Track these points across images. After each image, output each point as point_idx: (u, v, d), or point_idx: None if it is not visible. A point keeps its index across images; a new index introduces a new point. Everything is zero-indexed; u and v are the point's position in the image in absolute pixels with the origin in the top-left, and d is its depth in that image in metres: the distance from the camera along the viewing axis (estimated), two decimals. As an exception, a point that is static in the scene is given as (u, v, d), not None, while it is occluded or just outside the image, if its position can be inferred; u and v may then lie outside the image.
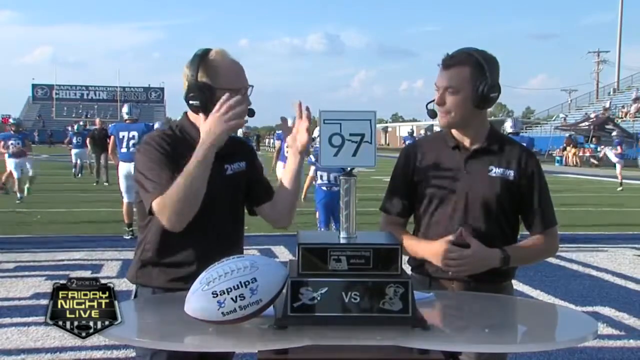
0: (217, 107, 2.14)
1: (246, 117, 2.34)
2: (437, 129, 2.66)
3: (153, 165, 2.21)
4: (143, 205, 2.29)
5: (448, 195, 2.39)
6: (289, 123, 2.35)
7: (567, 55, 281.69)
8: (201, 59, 2.26)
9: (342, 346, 1.70)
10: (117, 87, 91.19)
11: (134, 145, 9.12)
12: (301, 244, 1.78)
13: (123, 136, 9.40)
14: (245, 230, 2.50)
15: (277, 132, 14.95)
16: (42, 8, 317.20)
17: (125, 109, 10.09)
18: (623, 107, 45.52)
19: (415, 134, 33.01)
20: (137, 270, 2.36)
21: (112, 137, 9.83)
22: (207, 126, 2.14)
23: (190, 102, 2.25)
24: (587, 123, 38.05)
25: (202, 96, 2.22)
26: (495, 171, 2.38)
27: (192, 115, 2.34)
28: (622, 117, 42.70)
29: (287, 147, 2.13)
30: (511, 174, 2.38)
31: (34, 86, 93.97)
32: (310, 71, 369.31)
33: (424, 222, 2.46)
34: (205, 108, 2.23)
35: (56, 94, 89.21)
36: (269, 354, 1.68)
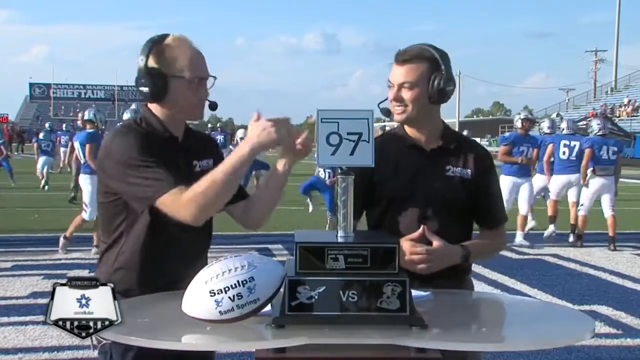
0: (264, 118, 2.00)
1: (208, 110, 2.28)
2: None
3: (141, 162, 2.07)
4: (111, 207, 2.19)
5: (407, 195, 2.37)
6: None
7: (565, 54, 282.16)
8: (155, 44, 2.17)
9: (339, 345, 1.70)
10: (114, 86, 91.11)
11: None
12: (299, 242, 1.77)
13: None
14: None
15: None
16: (39, 7, 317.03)
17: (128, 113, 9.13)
18: (620, 106, 45.63)
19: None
20: (110, 275, 2.18)
21: None
22: (257, 129, 1.99)
23: (140, 88, 2.17)
24: (584, 122, 38.07)
25: (152, 83, 2.14)
26: (453, 170, 2.38)
27: (151, 106, 2.24)
28: (619, 116, 42.78)
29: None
30: (468, 172, 2.38)
31: (31, 85, 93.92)
32: (306, 70, 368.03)
33: (385, 223, 2.40)
34: (155, 96, 2.16)
35: (53, 92, 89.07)
36: (266, 352, 1.69)
